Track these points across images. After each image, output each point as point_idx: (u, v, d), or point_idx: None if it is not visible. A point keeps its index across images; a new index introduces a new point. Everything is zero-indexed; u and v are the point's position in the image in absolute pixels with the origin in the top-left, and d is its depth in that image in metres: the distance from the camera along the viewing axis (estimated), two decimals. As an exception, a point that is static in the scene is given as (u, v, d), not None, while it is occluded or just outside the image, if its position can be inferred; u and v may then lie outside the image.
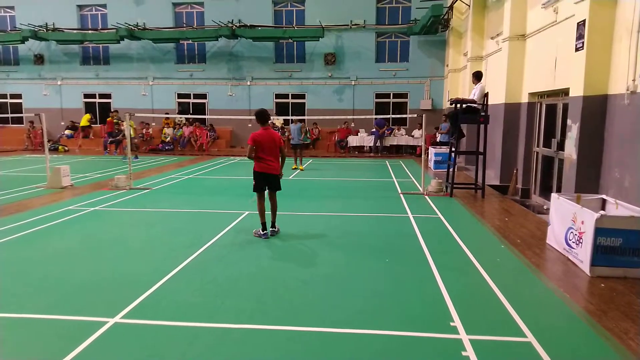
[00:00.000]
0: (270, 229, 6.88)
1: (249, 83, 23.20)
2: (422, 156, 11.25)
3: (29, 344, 3.72)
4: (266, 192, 6.94)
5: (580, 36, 7.64)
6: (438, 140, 18.16)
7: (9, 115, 23.97)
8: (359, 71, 22.49)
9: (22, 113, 23.40)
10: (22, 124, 24.40)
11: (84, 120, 23.19)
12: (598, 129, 7.51)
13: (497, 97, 12.08)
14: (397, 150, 20.96)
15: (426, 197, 10.12)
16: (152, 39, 22.65)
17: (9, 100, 25.12)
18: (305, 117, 21.54)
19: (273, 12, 22.70)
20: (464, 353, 3.53)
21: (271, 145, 6.71)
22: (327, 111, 21.65)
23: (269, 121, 6.91)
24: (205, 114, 23.25)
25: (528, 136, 11.14)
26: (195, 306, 4.40)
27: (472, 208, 9.01)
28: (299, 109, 23.16)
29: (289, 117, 19.65)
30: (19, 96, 24.95)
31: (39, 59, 24.50)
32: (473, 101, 9.92)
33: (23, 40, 23.11)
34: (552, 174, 9.97)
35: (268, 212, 6.91)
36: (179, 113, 23.69)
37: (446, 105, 20.22)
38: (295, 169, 14.93)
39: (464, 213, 8.64)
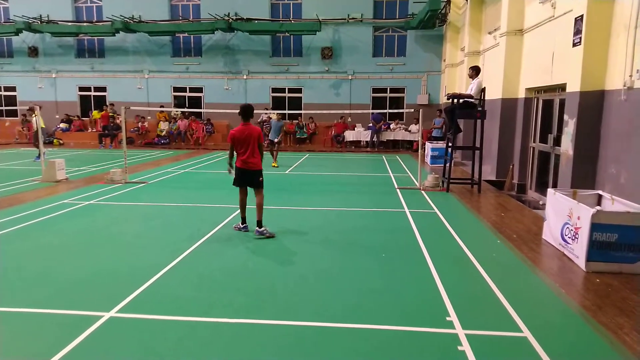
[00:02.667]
0: (256, 229, 6.45)
1: (245, 77, 23.09)
2: (419, 151, 11.24)
3: (24, 338, 3.69)
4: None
5: (577, 31, 7.64)
6: (432, 134, 18.18)
7: (3, 108, 23.75)
8: (356, 65, 22.42)
9: (16, 106, 23.17)
10: (17, 116, 24.21)
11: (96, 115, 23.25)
12: (595, 125, 7.52)
13: (494, 92, 12.07)
14: (394, 145, 20.94)
15: (423, 192, 10.13)
16: (147, 32, 22.46)
17: (3, 93, 24.86)
18: (302, 112, 21.55)
19: (270, 5, 22.55)
20: (460, 348, 3.54)
21: (247, 141, 6.42)
22: (323, 106, 21.56)
23: (252, 117, 6.75)
24: (201, 108, 23.14)
25: (525, 131, 11.15)
26: (191, 300, 4.39)
27: (468, 203, 9.02)
28: (296, 104, 23.08)
29: (279, 112, 19.41)
30: (13, 89, 24.73)
31: (33, 52, 24.25)
32: (470, 96, 9.90)
33: (17, 32, 22.83)
34: (548, 169, 9.99)
35: (253, 207, 6.61)
36: (175, 107, 23.54)
37: (443, 100, 20.19)
38: (274, 166, 13.93)
39: (460, 208, 8.65)
